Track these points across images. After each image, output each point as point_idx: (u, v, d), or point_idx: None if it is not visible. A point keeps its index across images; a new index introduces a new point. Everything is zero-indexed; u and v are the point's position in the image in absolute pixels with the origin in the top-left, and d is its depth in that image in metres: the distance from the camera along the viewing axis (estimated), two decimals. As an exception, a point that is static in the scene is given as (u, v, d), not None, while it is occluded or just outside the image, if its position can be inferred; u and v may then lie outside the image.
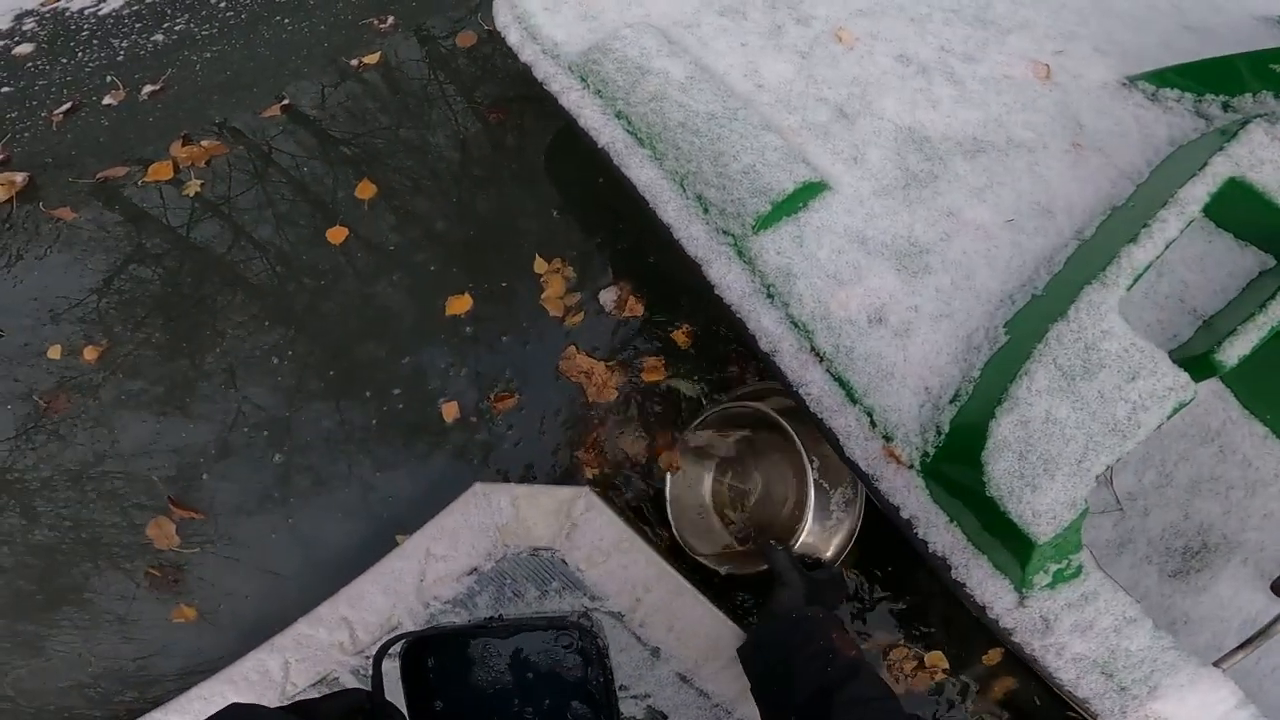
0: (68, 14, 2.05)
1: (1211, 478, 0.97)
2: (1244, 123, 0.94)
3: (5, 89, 1.87)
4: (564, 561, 1.15)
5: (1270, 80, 1.02)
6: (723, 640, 1.07)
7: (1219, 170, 0.88)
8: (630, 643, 1.11)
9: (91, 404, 1.45)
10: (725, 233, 0.99)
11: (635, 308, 1.42)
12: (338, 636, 1.16)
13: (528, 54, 1.27)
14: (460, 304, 1.47)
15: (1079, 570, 0.80)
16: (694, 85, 1.07)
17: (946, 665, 1.16)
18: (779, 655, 0.85)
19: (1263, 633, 0.78)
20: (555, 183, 1.60)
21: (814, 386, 0.93)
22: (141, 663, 1.28)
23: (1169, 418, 0.77)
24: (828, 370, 0.93)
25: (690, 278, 1.12)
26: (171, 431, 1.41)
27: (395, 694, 0.85)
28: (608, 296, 1.44)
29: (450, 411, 1.39)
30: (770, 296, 0.96)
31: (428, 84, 1.78)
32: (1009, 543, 0.79)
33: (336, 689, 1.13)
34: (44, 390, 1.46)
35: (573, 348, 1.40)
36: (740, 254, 0.98)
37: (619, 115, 1.12)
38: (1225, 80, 1.03)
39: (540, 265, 1.48)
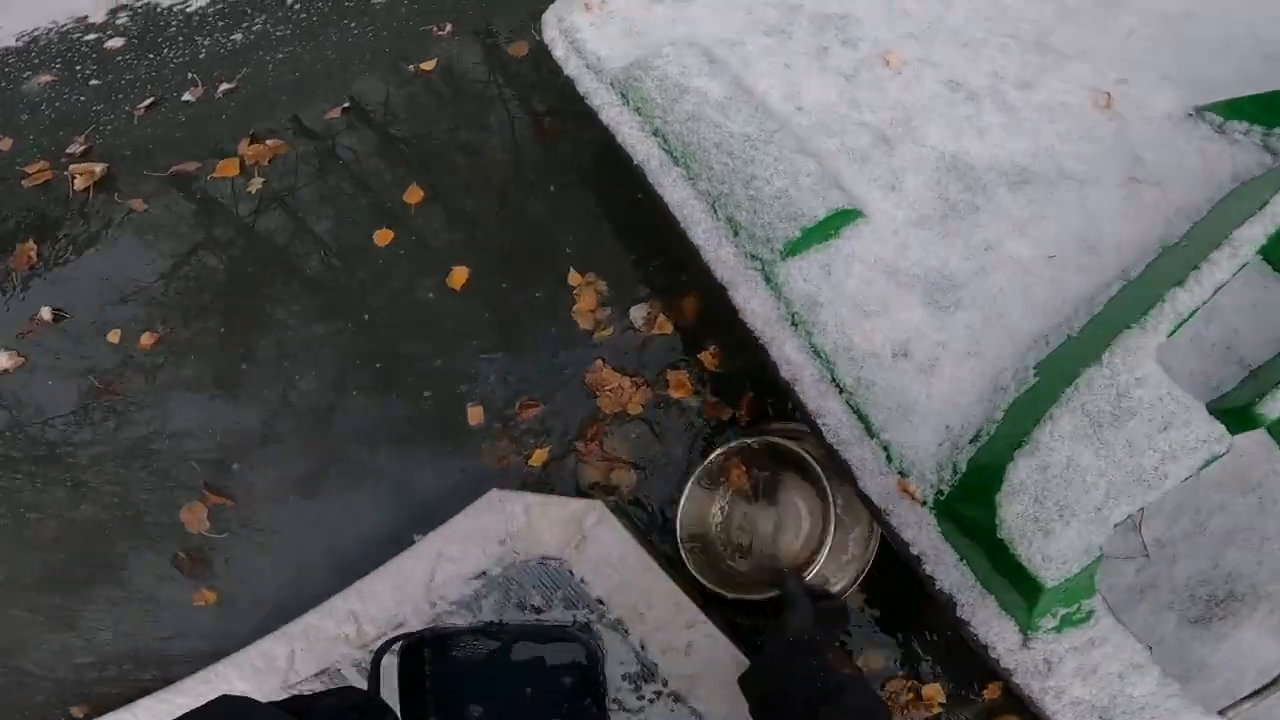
0: (159, 9, 2.25)
1: (1248, 528, 0.95)
2: (1316, 163, 0.91)
3: (94, 82, 2.07)
4: (571, 572, 1.20)
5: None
6: (720, 661, 1.09)
7: (1279, 210, 0.86)
8: (628, 657, 1.14)
9: (144, 387, 1.58)
10: (754, 257, 1.02)
11: (664, 325, 1.46)
12: (345, 629, 1.23)
13: (572, 68, 1.34)
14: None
15: (1089, 615, 0.80)
16: (731, 106, 1.11)
17: (944, 699, 1.17)
18: (776, 675, 0.88)
19: (1273, 684, 0.77)
20: (595, 196, 1.66)
21: (832, 417, 0.95)
22: (162, 643, 1.38)
23: (1200, 470, 0.75)
24: (847, 402, 0.94)
25: (721, 299, 1.16)
26: (215, 417, 1.53)
27: (391, 693, 0.91)
28: (638, 313, 1.48)
29: (475, 415, 1.45)
30: (794, 324, 0.98)
31: (479, 92, 1.88)
32: (1017, 585, 0.79)
33: (338, 680, 1.21)
34: (102, 371, 1.61)
35: (600, 362, 1.45)
36: (768, 279, 1.01)
37: (656, 133, 1.16)
38: (1301, 114, 1.00)
39: (574, 278, 1.54)
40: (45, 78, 2.12)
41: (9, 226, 1.85)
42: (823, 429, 0.96)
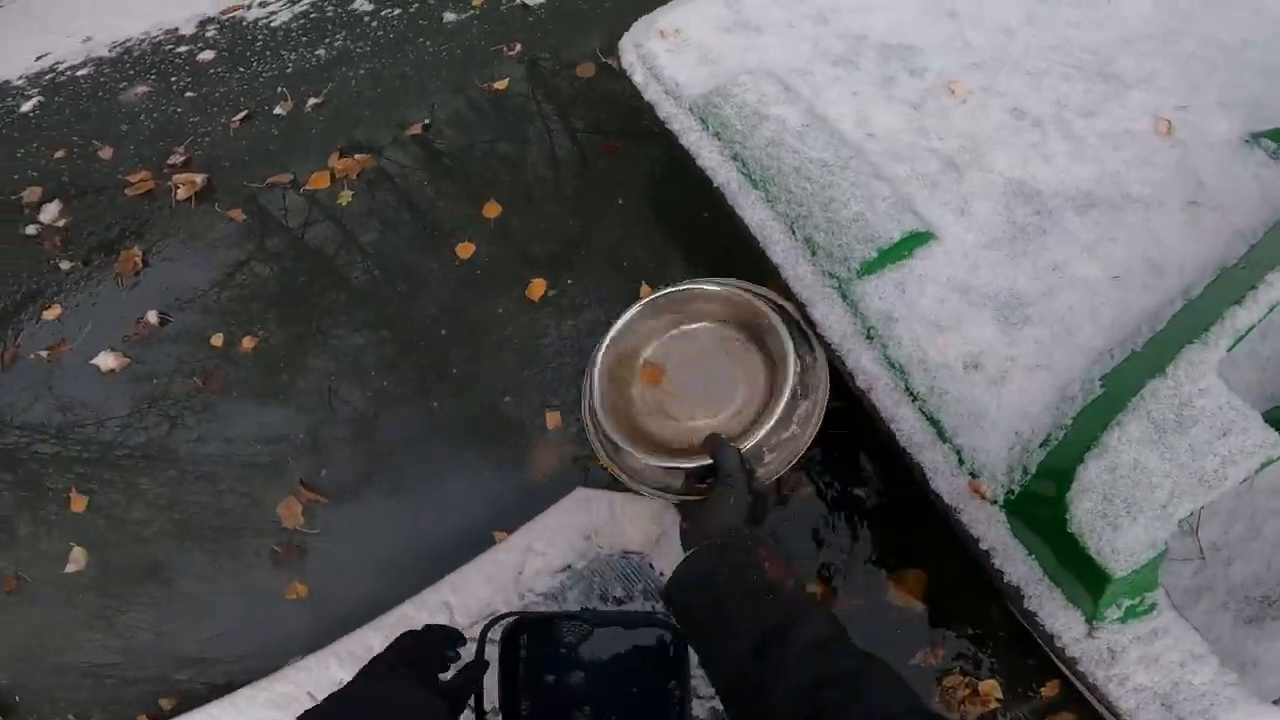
0: (244, 23, 2.43)
1: (1301, 535, 1.02)
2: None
3: (189, 94, 2.25)
4: (651, 566, 1.30)
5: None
6: None
7: (1335, 239, 0.94)
8: (702, 646, 1.24)
9: (245, 388, 1.72)
10: (831, 275, 1.12)
11: (732, 335, 1.57)
12: (437, 619, 1.31)
13: (651, 93, 1.45)
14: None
15: (1152, 607, 0.88)
16: (809, 132, 1.21)
17: (1000, 695, 1.21)
18: (707, 592, 0.82)
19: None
20: (663, 212, 1.77)
21: (905, 424, 1.04)
22: (257, 632, 1.46)
23: (1256, 472, 0.83)
24: (920, 409, 1.04)
25: None
26: (308, 417, 1.65)
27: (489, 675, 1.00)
28: (707, 324, 1.59)
29: (553, 420, 1.56)
30: (870, 338, 1.08)
31: (548, 111, 2.00)
32: (1084, 576, 0.87)
33: None
34: (204, 372, 1.75)
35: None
36: (844, 296, 1.11)
37: (735, 157, 1.27)
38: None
39: (646, 291, 1.64)
40: (141, 88, 2.30)
41: (113, 234, 2.02)
42: (896, 434, 1.05)
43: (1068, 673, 0.95)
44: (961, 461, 1.00)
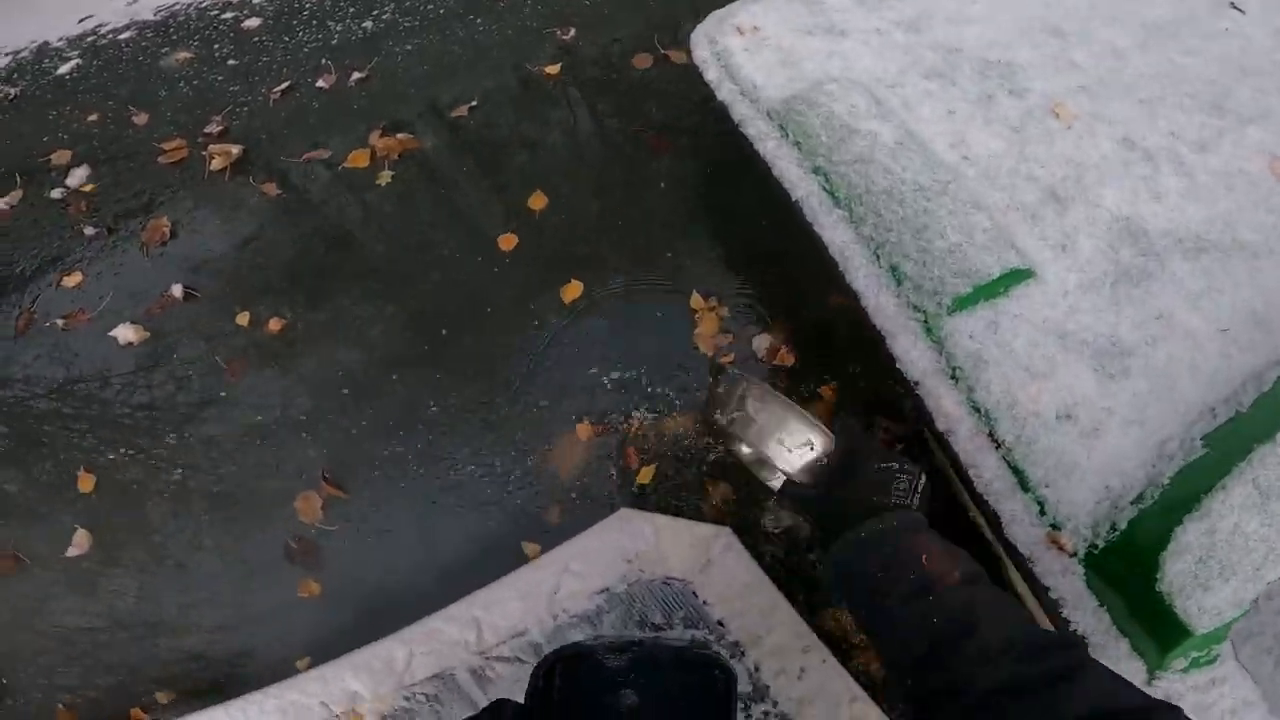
0: (293, -12, 2.44)
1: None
2: None
3: (231, 62, 2.26)
4: (694, 594, 1.30)
5: None
6: (830, 688, 1.18)
7: None
8: (741, 678, 1.24)
9: (267, 372, 1.73)
10: (917, 308, 1.10)
11: (786, 357, 1.55)
12: (465, 635, 1.32)
13: (725, 93, 1.43)
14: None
15: (1215, 658, 0.89)
16: (903, 152, 1.19)
17: None
18: (861, 590, 0.80)
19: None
20: (713, 218, 1.76)
21: (987, 470, 1.03)
22: (265, 629, 1.47)
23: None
24: (1004, 458, 1.02)
25: (844, 335, 1.19)
26: (332, 410, 1.66)
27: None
28: (760, 342, 1.58)
29: (585, 430, 1.55)
30: (955, 379, 1.06)
31: (600, 101, 2.00)
32: (1159, 630, 0.89)
33: (451, 685, 1.31)
34: (228, 354, 1.76)
35: (719, 387, 1.55)
36: (929, 332, 1.09)
37: (817, 170, 1.25)
38: None
39: (696, 301, 1.64)
40: (183, 55, 2.32)
41: (143, 201, 2.04)
42: (975, 480, 1.04)
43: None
44: (1043, 512, 0.98)
